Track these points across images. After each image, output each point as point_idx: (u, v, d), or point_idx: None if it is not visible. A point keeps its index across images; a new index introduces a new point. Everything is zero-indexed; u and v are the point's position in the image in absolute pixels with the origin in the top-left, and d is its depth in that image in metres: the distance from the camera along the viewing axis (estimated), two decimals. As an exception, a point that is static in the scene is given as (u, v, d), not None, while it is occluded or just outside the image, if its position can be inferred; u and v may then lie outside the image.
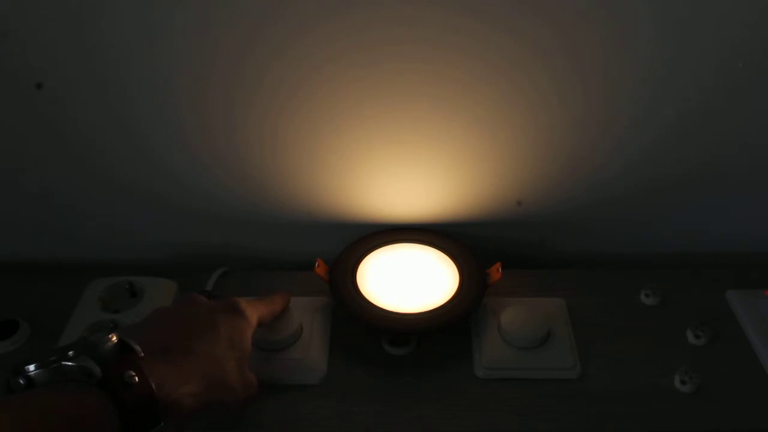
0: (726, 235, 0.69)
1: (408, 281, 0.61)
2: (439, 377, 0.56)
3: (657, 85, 0.57)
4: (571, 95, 0.57)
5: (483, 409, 0.53)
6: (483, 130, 0.60)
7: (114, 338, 0.41)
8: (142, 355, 0.41)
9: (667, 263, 0.69)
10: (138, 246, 0.70)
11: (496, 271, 0.60)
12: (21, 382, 0.38)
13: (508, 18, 0.52)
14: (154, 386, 0.40)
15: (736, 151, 0.62)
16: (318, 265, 0.60)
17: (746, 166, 0.63)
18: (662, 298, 0.62)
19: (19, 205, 0.67)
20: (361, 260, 0.63)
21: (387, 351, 0.58)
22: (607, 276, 0.66)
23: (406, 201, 0.66)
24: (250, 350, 0.49)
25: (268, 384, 0.54)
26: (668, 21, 0.53)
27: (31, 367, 0.39)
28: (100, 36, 0.54)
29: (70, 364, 0.39)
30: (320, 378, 0.56)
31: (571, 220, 0.68)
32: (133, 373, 0.39)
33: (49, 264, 0.70)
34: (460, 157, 0.62)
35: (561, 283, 0.65)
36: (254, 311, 0.52)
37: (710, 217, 0.67)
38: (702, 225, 0.68)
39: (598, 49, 0.54)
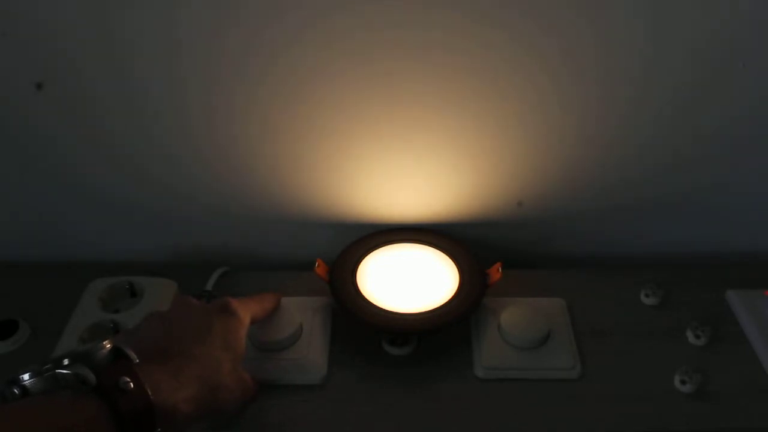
0: (726, 235, 0.69)
1: (408, 281, 0.61)
2: (439, 377, 0.56)
3: (654, 85, 0.57)
4: (570, 96, 0.57)
5: (483, 409, 0.53)
6: (483, 131, 0.60)
7: (108, 345, 0.41)
8: (137, 361, 0.41)
9: (667, 263, 0.69)
10: (138, 246, 0.70)
11: (496, 271, 0.60)
12: (15, 391, 0.38)
13: (507, 21, 0.52)
14: (149, 392, 0.40)
15: (736, 150, 0.62)
16: (318, 265, 0.60)
17: (746, 165, 0.63)
18: (662, 298, 0.62)
19: (20, 205, 0.67)
20: (361, 260, 0.63)
21: (387, 351, 0.58)
22: (607, 276, 0.66)
23: (406, 201, 0.66)
24: (244, 350, 0.49)
25: (268, 384, 0.54)
26: (661, 19, 0.53)
27: (26, 376, 0.38)
28: (104, 34, 0.54)
29: (64, 372, 0.38)
30: (320, 378, 0.56)
31: (572, 220, 0.68)
32: (128, 380, 0.39)
33: (49, 264, 0.70)
34: (460, 158, 0.62)
35: (561, 283, 0.65)
36: (247, 310, 0.52)
37: (710, 217, 0.67)
38: (702, 225, 0.68)
39: (595, 50, 0.54)
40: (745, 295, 0.62)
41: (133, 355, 0.41)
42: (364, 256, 0.63)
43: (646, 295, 0.63)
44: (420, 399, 0.54)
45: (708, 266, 0.67)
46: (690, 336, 0.58)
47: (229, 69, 0.56)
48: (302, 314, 0.60)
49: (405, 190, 0.65)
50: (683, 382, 0.54)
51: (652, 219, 0.68)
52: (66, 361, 0.39)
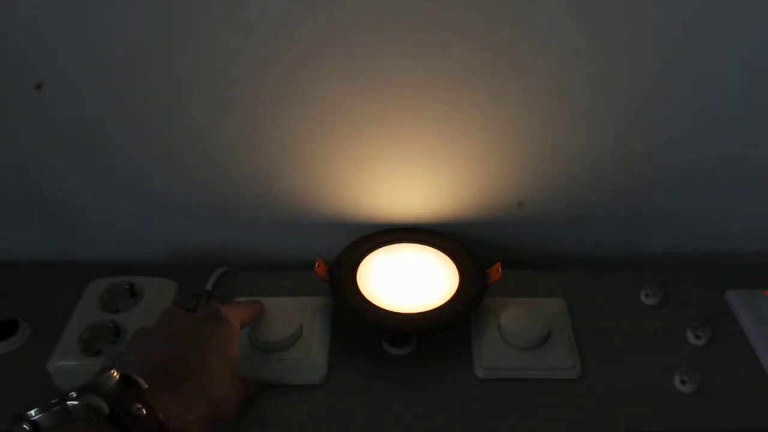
0: (726, 235, 0.69)
1: (408, 281, 0.61)
2: (439, 377, 0.56)
3: (655, 86, 0.57)
4: (571, 96, 0.57)
5: (483, 409, 0.54)
6: (483, 131, 0.60)
7: (115, 374, 0.41)
8: (146, 386, 0.41)
9: (667, 263, 0.69)
10: (138, 246, 0.70)
11: (496, 271, 0.60)
12: (26, 427, 0.38)
13: (508, 24, 0.52)
14: (161, 417, 0.40)
15: (735, 151, 0.62)
16: (318, 265, 0.60)
17: (746, 165, 0.63)
18: (662, 298, 0.62)
19: (19, 205, 0.67)
20: (361, 260, 0.63)
21: (387, 351, 0.58)
22: (607, 276, 0.66)
23: (406, 201, 0.66)
24: (238, 355, 0.49)
25: (268, 384, 0.55)
26: (659, 17, 0.53)
27: (33, 412, 0.38)
28: (105, 35, 0.54)
29: (75, 403, 0.38)
30: (320, 378, 0.56)
31: (572, 220, 0.68)
32: (140, 406, 0.40)
33: (49, 264, 0.70)
34: (460, 158, 0.62)
35: (561, 283, 0.65)
36: (236, 315, 0.52)
37: (710, 216, 0.67)
38: (702, 225, 0.68)
39: (595, 49, 0.54)
40: (745, 295, 0.62)
41: (141, 381, 0.41)
42: (364, 256, 0.64)
43: (646, 295, 0.63)
44: (420, 399, 0.54)
45: (708, 266, 0.67)
46: (690, 336, 0.58)
47: (234, 73, 0.56)
48: (302, 314, 0.60)
49: (405, 190, 0.65)
50: (683, 382, 0.54)
51: (652, 219, 0.68)
52: (73, 394, 0.39)
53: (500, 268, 0.60)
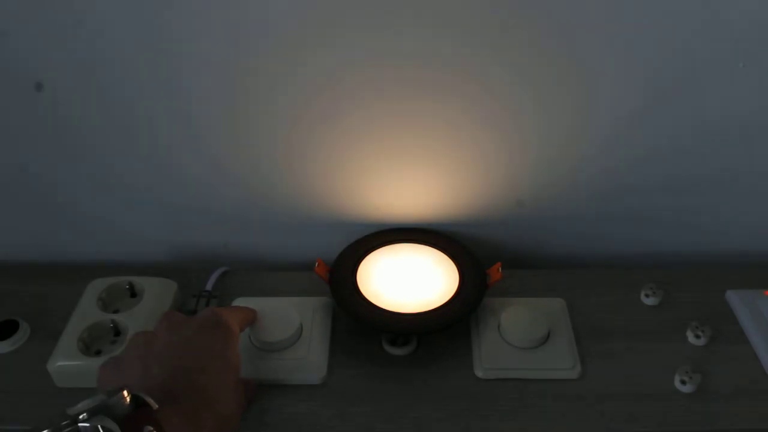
0: (726, 235, 0.69)
1: (408, 281, 0.61)
2: (439, 377, 0.56)
3: (655, 86, 0.57)
4: (571, 96, 0.57)
5: (483, 409, 0.53)
6: (483, 131, 0.60)
7: (127, 396, 0.40)
8: (156, 407, 0.41)
9: (667, 263, 0.69)
10: (138, 246, 0.70)
11: (496, 271, 0.60)
12: None
13: (510, 21, 0.52)
14: None
15: (735, 151, 0.62)
16: (318, 265, 0.60)
17: (746, 165, 0.63)
18: (662, 298, 0.62)
19: (19, 205, 0.67)
20: (361, 260, 0.63)
21: (387, 351, 0.58)
22: (607, 276, 0.66)
23: (406, 201, 0.66)
24: (240, 361, 0.49)
25: (268, 384, 0.55)
26: (660, 16, 0.53)
27: None
28: (103, 37, 0.54)
29: (86, 425, 0.38)
30: (320, 378, 0.56)
31: (572, 220, 0.68)
32: (152, 428, 0.39)
33: (49, 264, 0.70)
34: (460, 158, 0.62)
35: (561, 283, 0.65)
36: (235, 320, 0.51)
37: (711, 217, 0.67)
38: (702, 225, 0.68)
39: (597, 48, 0.54)
40: (745, 295, 0.62)
41: (152, 402, 0.41)
42: (364, 256, 0.64)
43: (646, 295, 0.63)
44: (420, 399, 0.54)
45: (708, 266, 0.67)
46: (690, 336, 0.58)
47: (234, 75, 0.56)
48: (302, 314, 0.60)
49: (405, 190, 0.65)
50: (683, 382, 0.54)
51: (651, 219, 0.68)
52: (83, 416, 0.38)
53: (500, 268, 0.60)
